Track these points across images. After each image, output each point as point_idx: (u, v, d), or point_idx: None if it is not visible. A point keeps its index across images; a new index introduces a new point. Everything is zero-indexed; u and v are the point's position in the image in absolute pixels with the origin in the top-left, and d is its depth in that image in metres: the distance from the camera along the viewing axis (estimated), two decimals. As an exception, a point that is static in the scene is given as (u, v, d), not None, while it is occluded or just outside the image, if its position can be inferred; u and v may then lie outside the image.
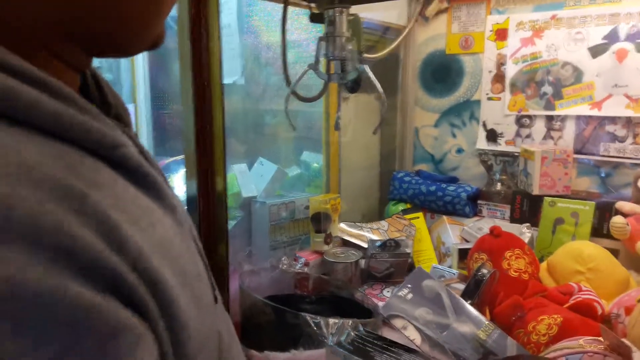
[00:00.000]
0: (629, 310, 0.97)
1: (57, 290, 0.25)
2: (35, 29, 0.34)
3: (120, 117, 0.44)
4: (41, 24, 0.34)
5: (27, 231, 0.25)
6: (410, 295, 1.02)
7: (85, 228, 0.27)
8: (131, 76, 2.07)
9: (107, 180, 0.32)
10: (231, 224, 1.50)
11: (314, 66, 1.15)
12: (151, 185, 0.37)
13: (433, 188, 1.59)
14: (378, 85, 1.14)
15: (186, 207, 1.23)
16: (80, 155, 0.32)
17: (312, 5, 1.19)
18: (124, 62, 2.04)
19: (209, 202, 1.22)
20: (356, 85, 1.22)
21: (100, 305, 0.26)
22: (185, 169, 1.22)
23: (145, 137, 2.10)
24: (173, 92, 1.96)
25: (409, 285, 1.03)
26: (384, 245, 1.32)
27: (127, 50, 0.40)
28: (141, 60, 2.02)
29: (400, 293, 1.03)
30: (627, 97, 1.38)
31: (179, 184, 1.68)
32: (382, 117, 1.18)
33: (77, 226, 0.27)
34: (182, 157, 1.28)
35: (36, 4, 0.33)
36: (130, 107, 2.04)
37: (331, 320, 0.96)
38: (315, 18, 1.15)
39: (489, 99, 1.61)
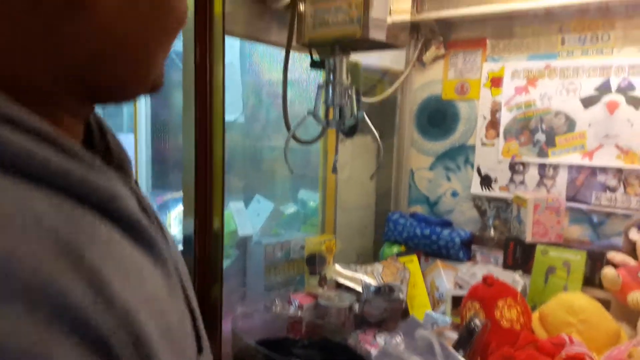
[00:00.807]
0: (619, 366, 0.97)
1: (45, 354, 0.26)
2: (42, 83, 0.36)
3: (121, 167, 0.46)
4: (47, 78, 0.36)
5: (24, 289, 0.27)
6: (402, 345, 1.02)
7: (78, 286, 0.29)
8: (132, 105, 2.09)
9: (104, 235, 0.35)
10: (226, 262, 1.51)
11: (313, 112, 1.17)
12: (145, 239, 0.39)
13: (427, 231, 1.60)
14: (375, 133, 1.17)
15: (182, 248, 1.24)
16: (80, 208, 0.34)
17: (313, 51, 1.23)
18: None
19: (205, 242, 1.23)
20: (353, 130, 1.25)
21: None
22: (183, 206, 1.24)
23: (144, 169, 2.12)
24: (174, 123, 1.98)
25: (402, 335, 1.04)
26: (379, 290, 1.32)
27: (128, 96, 0.42)
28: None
29: (393, 342, 1.03)
30: (618, 147, 1.41)
31: (175, 221, 1.69)
32: (378, 163, 1.20)
33: (71, 284, 0.29)
34: (180, 194, 1.30)
35: (42, 59, 0.35)
36: (130, 137, 2.06)
37: (323, 369, 0.96)
38: (315, 65, 1.18)
39: (483, 144, 1.64)
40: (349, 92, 1.13)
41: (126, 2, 0.37)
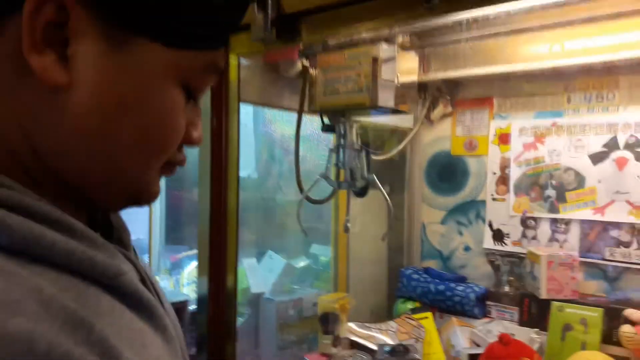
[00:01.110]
0: None
1: None
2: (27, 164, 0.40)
3: (120, 239, 0.49)
4: (27, 160, 0.39)
5: None
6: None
7: (91, 354, 0.33)
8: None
9: (107, 308, 0.38)
10: (239, 321, 1.50)
11: (325, 174, 1.20)
12: (145, 308, 0.42)
13: (442, 287, 1.59)
14: (385, 194, 1.19)
15: (196, 307, 1.25)
16: (84, 285, 0.37)
17: (324, 115, 1.27)
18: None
19: (219, 301, 1.24)
20: (364, 191, 1.27)
21: None
22: (197, 264, 1.25)
23: (158, 223, 2.14)
24: (188, 178, 2.02)
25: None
26: (393, 350, 1.31)
27: (101, 200, 0.44)
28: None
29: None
30: (629, 203, 1.42)
31: (188, 280, 1.70)
32: (389, 224, 1.22)
33: (85, 354, 0.32)
34: (193, 252, 1.32)
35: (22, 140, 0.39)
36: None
37: None
38: (327, 129, 1.22)
39: (494, 199, 1.65)
40: (360, 154, 1.16)
41: (107, 111, 0.39)
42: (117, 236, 0.49)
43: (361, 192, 1.26)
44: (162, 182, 2.17)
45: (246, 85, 1.12)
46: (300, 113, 1.21)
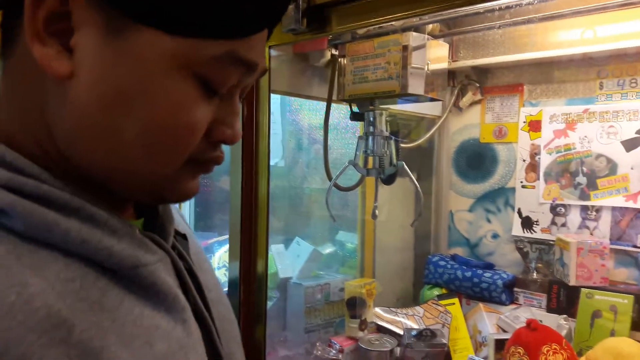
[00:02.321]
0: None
1: None
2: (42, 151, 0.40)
3: (163, 228, 0.47)
4: (39, 148, 0.40)
5: None
6: (446, 392, 1.02)
7: (64, 357, 0.32)
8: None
9: (112, 302, 0.37)
10: (267, 304, 1.54)
11: (354, 162, 1.22)
12: (162, 300, 0.40)
13: (469, 274, 1.60)
14: (415, 181, 1.20)
15: (227, 290, 1.29)
16: (95, 275, 0.37)
17: (353, 105, 1.28)
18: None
19: (249, 284, 1.27)
20: (392, 178, 1.28)
21: None
22: (228, 249, 1.29)
23: (187, 212, 2.19)
24: (217, 167, 2.06)
25: (445, 381, 1.04)
26: (420, 334, 1.33)
27: (123, 190, 0.42)
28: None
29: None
30: (663, 190, 1.39)
31: (219, 264, 1.74)
32: (419, 210, 1.23)
33: (59, 357, 0.32)
34: (225, 237, 1.35)
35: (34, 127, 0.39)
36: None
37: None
38: (355, 117, 1.23)
39: (523, 186, 1.64)
40: (388, 142, 1.17)
41: (108, 102, 0.37)
42: (160, 224, 0.47)
43: (389, 180, 1.27)
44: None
45: (276, 75, 1.14)
46: (329, 102, 1.22)
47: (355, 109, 1.24)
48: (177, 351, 0.40)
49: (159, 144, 0.39)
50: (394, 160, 1.19)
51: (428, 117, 1.74)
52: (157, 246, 0.43)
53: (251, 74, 0.43)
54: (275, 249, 1.69)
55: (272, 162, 1.87)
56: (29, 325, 0.32)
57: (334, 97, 1.21)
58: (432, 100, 1.11)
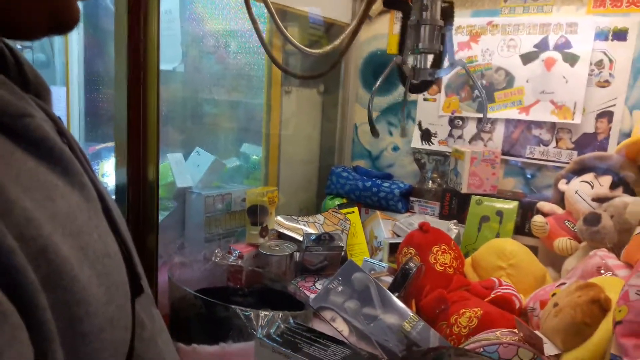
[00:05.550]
0: (543, 304, 1.03)
1: None
2: None
3: (39, 95, 0.43)
4: None
5: None
6: (340, 288, 1.03)
7: None
8: (64, 57, 1.97)
9: (2, 151, 0.33)
10: (163, 214, 1.46)
11: (402, 60, 1.08)
12: (57, 160, 0.37)
13: (369, 184, 1.62)
14: (479, 86, 1.11)
15: (115, 197, 1.19)
16: None
17: None
18: (57, 42, 1.94)
19: (139, 191, 1.19)
20: (426, 85, 1.16)
21: None
22: (115, 157, 1.18)
23: (77, 122, 2.01)
24: (109, 76, 1.89)
25: (340, 278, 1.05)
26: (319, 238, 1.33)
27: (17, 26, 0.37)
28: (76, 41, 1.93)
29: (330, 285, 1.04)
30: (553, 103, 1.46)
31: (109, 170, 1.62)
32: (484, 119, 1.12)
33: None
34: (113, 144, 1.24)
35: None
36: (62, 90, 1.95)
37: (261, 313, 0.96)
38: (389, 3, 1.09)
39: (425, 99, 1.66)
40: (443, 34, 1.01)
41: None
42: (35, 91, 0.43)
43: (421, 87, 1.15)
44: (81, 82, 2.00)
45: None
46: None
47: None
48: (79, 213, 0.36)
49: None
50: (453, 59, 1.05)
51: (338, 23, 1.67)
52: (40, 108, 0.39)
53: None
54: (173, 158, 1.60)
55: (170, 67, 1.74)
56: None
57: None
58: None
